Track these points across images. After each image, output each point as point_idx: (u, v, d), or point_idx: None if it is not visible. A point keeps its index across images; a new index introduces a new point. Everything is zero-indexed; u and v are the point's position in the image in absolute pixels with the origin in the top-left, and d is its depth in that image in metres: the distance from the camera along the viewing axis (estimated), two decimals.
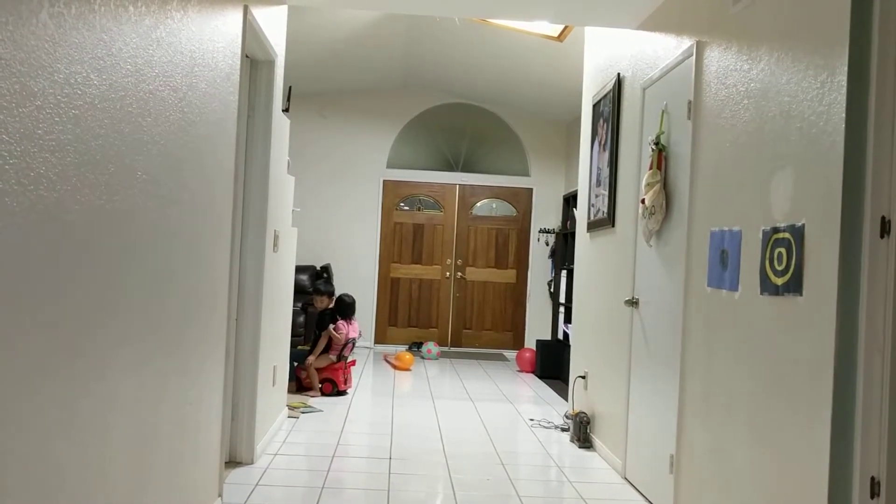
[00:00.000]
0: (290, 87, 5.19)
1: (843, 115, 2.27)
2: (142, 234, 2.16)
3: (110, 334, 1.97)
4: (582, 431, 4.85)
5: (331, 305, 6.58)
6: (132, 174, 2.06)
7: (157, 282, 2.31)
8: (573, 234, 6.36)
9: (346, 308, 6.48)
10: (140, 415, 2.22)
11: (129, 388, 2.12)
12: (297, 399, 5.73)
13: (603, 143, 4.89)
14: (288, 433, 4.76)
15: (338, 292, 6.91)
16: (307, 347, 6.39)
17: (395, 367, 7.78)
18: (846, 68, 2.27)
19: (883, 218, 2.22)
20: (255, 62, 4.02)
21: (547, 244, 9.31)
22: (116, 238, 1.97)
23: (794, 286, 2.48)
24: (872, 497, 2.21)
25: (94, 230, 1.84)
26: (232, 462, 3.94)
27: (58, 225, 1.65)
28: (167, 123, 2.34)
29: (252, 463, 4.00)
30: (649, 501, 3.74)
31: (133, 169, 2.07)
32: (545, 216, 9.38)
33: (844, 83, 2.28)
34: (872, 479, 2.21)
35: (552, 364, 7.71)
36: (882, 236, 2.22)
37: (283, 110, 4.50)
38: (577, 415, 4.93)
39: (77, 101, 1.71)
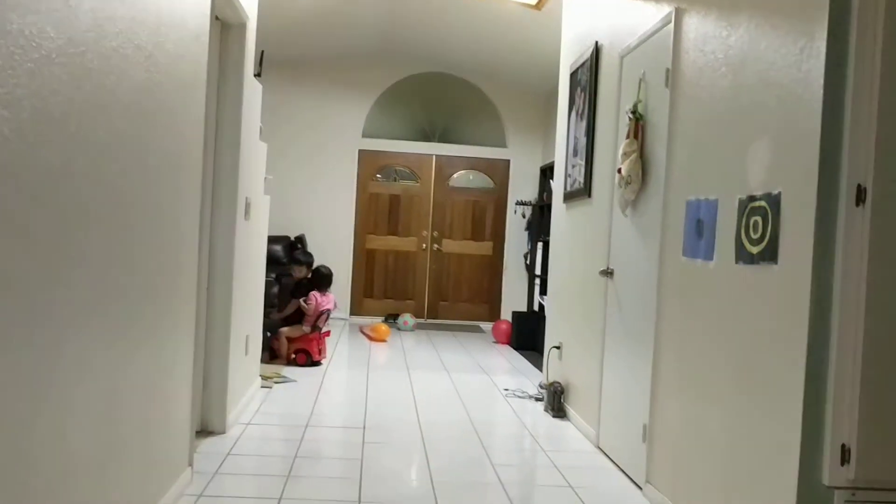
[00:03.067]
0: (262, 52, 5.08)
1: (822, 81, 2.25)
2: (105, 196, 2.09)
3: (73, 301, 1.91)
4: (556, 401, 4.86)
5: (308, 275, 6.53)
6: (94, 134, 1.99)
7: (121, 246, 2.24)
8: (549, 207, 6.34)
9: (322, 280, 6.44)
10: (106, 384, 2.17)
11: (95, 357, 2.07)
12: (271, 369, 5.69)
13: (580, 112, 4.85)
14: (261, 403, 4.73)
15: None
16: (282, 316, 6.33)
17: (370, 338, 7.76)
18: (825, 34, 2.24)
19: (859, 186, 2.21)
20: (225, 24, 3.92)
21: (523, 216, 9.28)
22: (77, 200, 1.91)
23: (770, 255, 2.47)
24: (843, 464, 2.22)
25: (54, 191, 1.77)
26: (204, 431, 3.90)
27: (14, 183, 1.58)
28: (132, 83, 2.26)
29: (224, 432, 3.96)
30: (622, 470, 3.76)
31: (95, 129, 2.00)
32: (522, 188, 9.35)
33: (823, 49, 2.25)
34: (843, 446, 2.22)
35: (528, 335, 7.73)
36: (858, 204, 2.21)
37: (255, 75, 4.41)
38: (551, 385, 4.94)
39: (32, 53, 1.63)
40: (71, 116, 1.85)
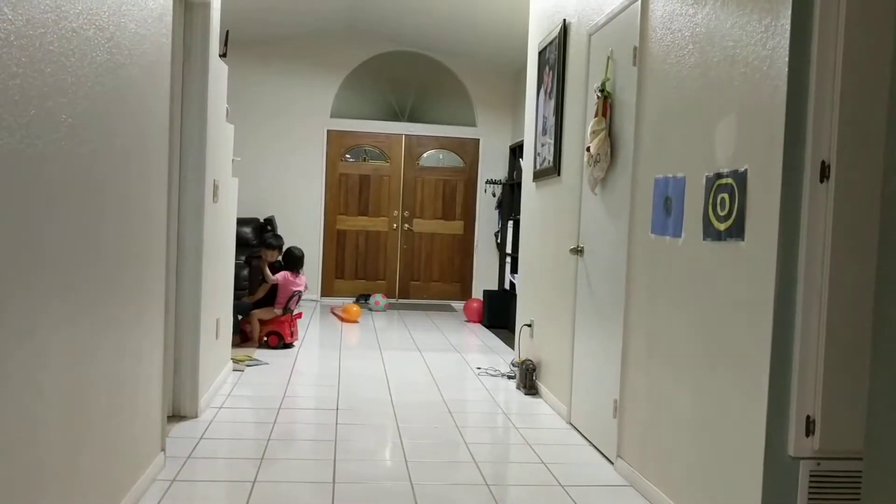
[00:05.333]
0: (227, 32, 5.00)
1: (787, 59, 2.27)
2: (68, 180, 2.05)
3: (37, 286, 1.88)
4: (528, 378, 4.91)
5: (279, 259, 6.48)
6: (56, 117, 1.95)
7: (86, 231, 2.21)
8: (520, 185, 6.36)
9: (294, 261, 6.39)
10: (74, 369, 2.15)
11: (61, 342, 2.04)
12: (242, 352, 5.66)
13: (549, 91, 4.86)
14: (233, 386, 4.70)
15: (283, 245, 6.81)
16: (253, 300, 6.30)
17: (342, 319, 7.74)
18: (790, 12, 2.26)
19: (823, 162, 2.24)
20: (189, 4, 3.84)
21: (494, 195, 9.30)
22: (39, 184, 1.87)
23: (737, 231, 2.50)
24: (808, 435, 2.27)
25: (14, 175, 1.74)
26: (175, 416, 3.88)
27: None
28: (94, 65, 2.21)
29: (196, 417, 3.94)
30: (593, 445, 3.81)
31: (57, 112, 1.96)
32: (492, 167, 9.36)
33: (788, 27, 2.27)
34: (808, 417, 2.27)
35: (499, 314, 7.77)
36: (822, 181, 2.25)
37: (220, 55, 4.34)
38: (523, 362, 4.98)
39: None
40: (30, 99, 1.81)
